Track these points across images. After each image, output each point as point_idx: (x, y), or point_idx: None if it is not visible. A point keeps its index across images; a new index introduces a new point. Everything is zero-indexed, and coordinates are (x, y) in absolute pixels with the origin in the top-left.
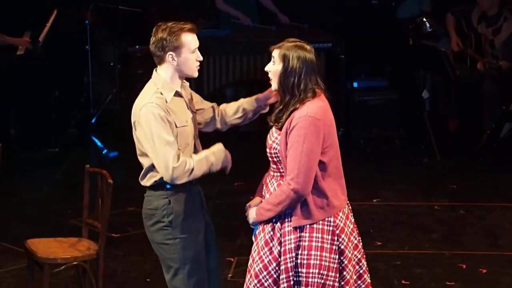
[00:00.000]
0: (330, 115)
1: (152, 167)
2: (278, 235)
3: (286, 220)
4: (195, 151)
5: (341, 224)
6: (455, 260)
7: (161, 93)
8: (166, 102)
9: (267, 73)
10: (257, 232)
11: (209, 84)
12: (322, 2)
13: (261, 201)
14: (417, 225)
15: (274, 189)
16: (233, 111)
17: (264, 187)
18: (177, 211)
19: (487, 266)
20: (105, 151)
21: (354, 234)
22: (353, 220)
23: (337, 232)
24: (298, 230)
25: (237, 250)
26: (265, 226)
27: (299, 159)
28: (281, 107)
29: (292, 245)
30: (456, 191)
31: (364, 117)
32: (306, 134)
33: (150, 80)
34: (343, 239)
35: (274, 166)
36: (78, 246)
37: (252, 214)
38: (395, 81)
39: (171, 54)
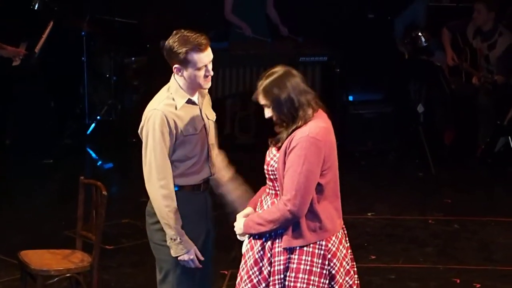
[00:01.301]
0: (332, 136)
1: None
2: (269, 255)
3: (277, 240)
4: (209, 158)
5: (334, 249)
6: (449, 274)
7: (173, 99)
8: (176, 108)
9: None
10: (244, 250)
11: None
12: (318, 15)
13: (251, 212)
14: (412, 239)
15: (268, 207)
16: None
17: (258, 203)
18: (181, 214)
19: (481, 280)
20: (100, 162)
21: (346, 260)
22: (347, 245)
23: (329, 256)
24: (288, 252)
25: (231, 262)
26: (254, 244)
27: (297, 180)
28: (284, 133)
29: (281, 267)
30: (450, 205)
31: (359, 130)
32: (306, 155)
33: (168, 83)
34: (334, 263)
35: (270, 184)
36: (72, 258)
37: (240, 225)
38: (391, 95)
39: (177, 67)
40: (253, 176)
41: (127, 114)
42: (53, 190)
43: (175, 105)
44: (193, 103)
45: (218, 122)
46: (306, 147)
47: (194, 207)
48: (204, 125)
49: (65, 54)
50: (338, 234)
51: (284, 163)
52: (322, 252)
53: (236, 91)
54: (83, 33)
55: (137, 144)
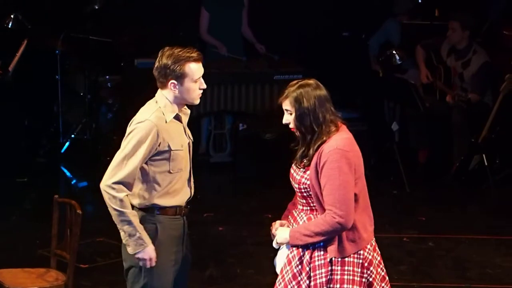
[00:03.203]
0: (357, 147)
1: (141, 187)
2: (307, 269)
3: (316, 254)
4: (190, 178)
5: (370, 257)
6: None
7: (163, 113)
8: (166, 122)
9: (238, 102)
10: (279, 261)
11: None
12: (293, 34)
13: (284, 224)
14: (387, 257)
15: (304, 222)
16: None
17: (292, 220)
18: (160, 239)
19: None
20: (74, 181)
21: (381, 266)
22: (379, 252)
23: (366, 264)
24: (329, 264)
25: (206, 281)
26: (292, 259)
27: (338, 192)
28: (303, 148)
29: (323, 279)
30: (425, 223)
31: None
32: (340, 166)
33: (153, 98)
34: (371, 271)
35: (304, 201)
36: (46, 277)
37: (284, 234)
38: (365, 113)
39: (173, 83)
40: (227, 195)
41: (102, 132)
42: (27, 209)
43: (165, 119)
44: (179, 120)
45: (193, 141)
46: (338, 159)
47: (174, 233)
48: (189, 143)
49: (39, 73)
50: (372, 242)
51: (317, 179)
52: (360, 261)
53: (211, 110)
54: (57, 51)
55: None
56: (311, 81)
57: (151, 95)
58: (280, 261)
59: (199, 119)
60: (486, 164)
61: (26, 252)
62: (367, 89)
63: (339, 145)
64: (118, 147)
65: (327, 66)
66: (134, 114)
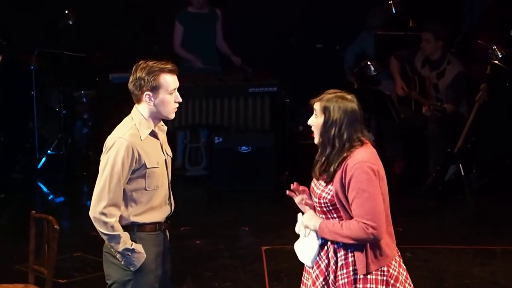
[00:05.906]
0: (381, 162)
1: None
2: None
3: (340, 273)
4: (170, 195)
5: (395, 273)
6: None
7: (138, 130)
8: (141, 139)
9: (213, 116)
10: (306, 249)
11: None
12: (267, 46)
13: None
14: None
15: (338, 222)
16: None
17: None
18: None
19: None
20: (51, 196)
21: (408, 281)
22: (404, 267)
23: (392, 281)
24: (353, 282)
25: None
26: (316, 279)
27: (368, 204)
28: (322, 160)
29: None
30: (402, 234)
31: (309, 160)
32: (368, 179)
33: (129, 115)
34: (398, 287)
35: (323, 216)
36: None
37: (314, 222)
38: None
39: (148, 94)
40: (203, 208)
41: (77, 147)
42: (4, 225)
43: (140, 136)
44: (155, 136)
45: (172, 157)
46: (365, 172)
47: (155, 249)
48: (165, 160)
49: (14, 89)
50: (396, 258)
51: (343, 193)
52: (384, 278)
53: (186, 124)
54: (32, 67)
55: (88, 177)
56: (349, 96)
57: (127, 110)
58: (306, 250)
59: (175, 133)
60: (462, 174)
61: (4, 267)
62: None
63: (364, 158)
64: (94, 162)
65: (301, 78)
66: (110, 129)
